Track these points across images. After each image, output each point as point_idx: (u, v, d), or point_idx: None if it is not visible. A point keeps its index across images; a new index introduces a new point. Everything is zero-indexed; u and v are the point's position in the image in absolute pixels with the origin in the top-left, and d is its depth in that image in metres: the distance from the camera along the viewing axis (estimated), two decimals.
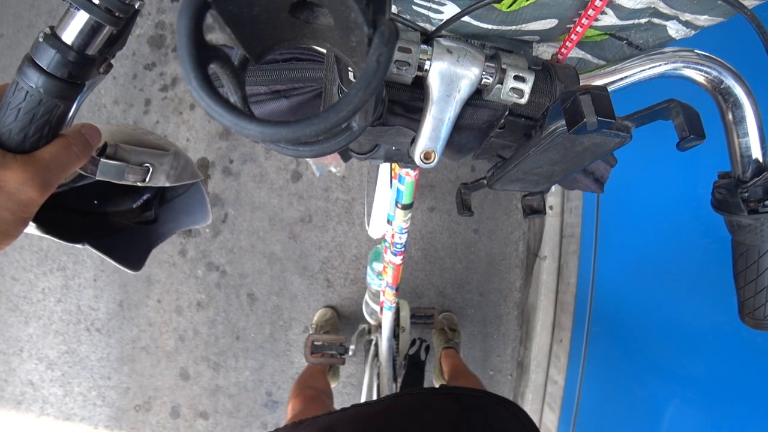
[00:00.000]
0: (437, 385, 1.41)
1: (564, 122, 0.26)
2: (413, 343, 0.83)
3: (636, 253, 1.11)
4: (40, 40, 0.28)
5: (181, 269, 1.54)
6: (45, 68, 0.28)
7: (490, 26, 0.32)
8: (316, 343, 1.07)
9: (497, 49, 0.33)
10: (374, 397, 0.98)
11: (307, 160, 1.21)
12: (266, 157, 1.52)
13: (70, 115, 0.32)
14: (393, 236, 0.66)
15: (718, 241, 0.82)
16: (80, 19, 0.28)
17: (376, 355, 1.01)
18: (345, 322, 1.50)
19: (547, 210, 1.45)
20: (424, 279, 1.50)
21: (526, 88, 0.30)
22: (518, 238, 1.51)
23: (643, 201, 1.08)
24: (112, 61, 0.32)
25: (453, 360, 1.25)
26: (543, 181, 0.37)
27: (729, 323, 0.80)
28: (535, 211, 0.43)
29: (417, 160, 0.33)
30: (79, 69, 0.29)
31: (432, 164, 0.34)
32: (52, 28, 0.28)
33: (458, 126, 0.33)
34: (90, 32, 0.28)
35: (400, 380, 1.01)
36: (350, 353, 1.14)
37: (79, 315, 1.56)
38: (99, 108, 1.55)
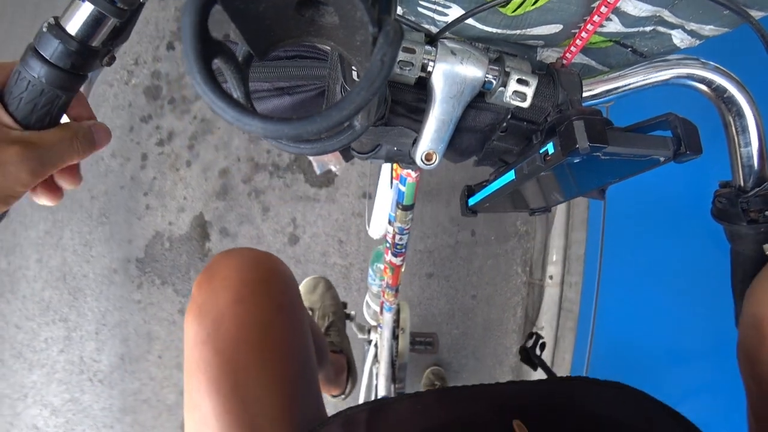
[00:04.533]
0: None
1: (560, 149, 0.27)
2: (530, 335, 0.63)
3: (632, 340, 1.07)
4: (44, 30, 0.28)
5: (181, 327, 1.51)
6: (48, 58, 0.28)
7: (494, 30, 0.32)
8: None
9: (501, 52, 0.33)
10: (373, 398, 0.97)
11: (308, 156, 1.21)
12: (263, 219, 1.50)
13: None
14: (394, 237, 0.66)
15: (714, 336, 0.78)
16: (85, 10, 0.28)
17: (376, 355, 1.01)
18: None
19: (547, 279, 1.44)
20: None
21: (529, 91, 0.30)
22: (517, 303, 1.49)
23: (644, 287, 1.05)
24: (115, 54, 0.31)
25: None
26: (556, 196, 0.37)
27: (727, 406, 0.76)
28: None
29: (418, 161, 0.33)
30: (82, 60, 0.29)
31: (433, 165, 0.34)
32: (56, 18, 0.28)
33: (460, 128, 0.33)
34: (94, 24, 0.28)
35: (398, 383, 1.01)
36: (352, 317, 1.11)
37: (82, 366, 1.55)
38: (96, 161, 1.51)
